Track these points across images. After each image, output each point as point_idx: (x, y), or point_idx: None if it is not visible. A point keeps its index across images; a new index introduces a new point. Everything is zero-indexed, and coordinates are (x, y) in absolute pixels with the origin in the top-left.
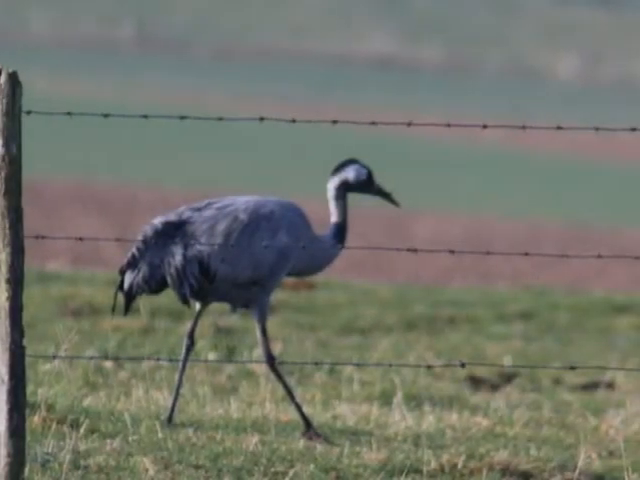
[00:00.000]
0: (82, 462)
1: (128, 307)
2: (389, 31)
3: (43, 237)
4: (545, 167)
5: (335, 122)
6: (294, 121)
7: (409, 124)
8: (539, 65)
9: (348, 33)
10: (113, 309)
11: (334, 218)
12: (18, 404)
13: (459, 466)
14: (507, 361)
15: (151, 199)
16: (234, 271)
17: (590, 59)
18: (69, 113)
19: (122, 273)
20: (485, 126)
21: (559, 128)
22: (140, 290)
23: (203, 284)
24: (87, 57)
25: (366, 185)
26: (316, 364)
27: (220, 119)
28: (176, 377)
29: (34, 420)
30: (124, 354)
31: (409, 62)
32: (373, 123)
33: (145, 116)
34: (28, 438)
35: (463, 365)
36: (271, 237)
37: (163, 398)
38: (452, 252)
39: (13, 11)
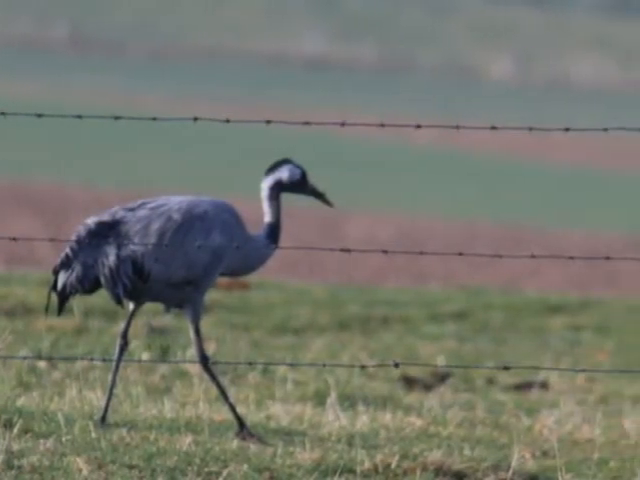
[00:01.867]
0: (15, 462)
1: (62, 307)
2: (323, 31)
3: None
4: (479, 167)
5: (269, 122)
6: (228, 121)
7: (343, 124)
8: (473, 65)
9: (282, 33)
10: (47, 309)
11: (268, 218)
12: None
13: (393, 466)
14: (441, 361)
15: (85, 199)
16: (168, 271)
17: (524, 59)
18: (3, 113)
19: (56, 273)
20: (419, 126)
21: (493, 128)
22: (74, 290)
23: (137, 284)
24: (21, 57)
25: (300, 185)
26: (250, 364)
27: (154, 119)
28: (110, 377)
29: None
30: (57, 354)
31: (343, 62)
32: (307, 123)
33: (79, 116)
34: None
35: (397, 365)
36: (205, 237)
37: (97, 398)
38: (385, 252)
39: None
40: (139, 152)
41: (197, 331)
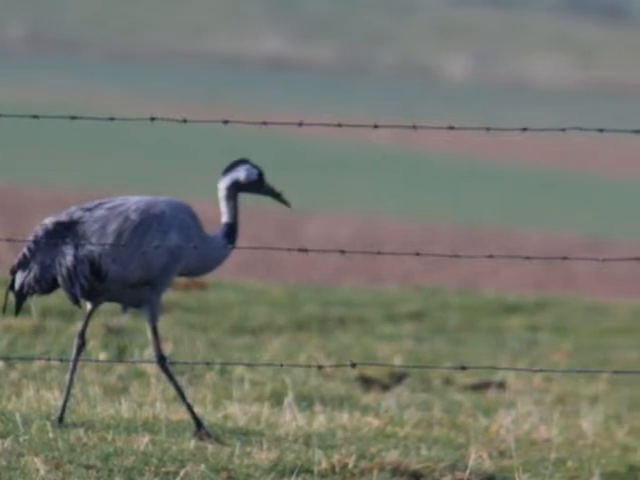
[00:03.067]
0: None
1: (19, 307)
2: (281, 31)
3: None
4: (437, 167)
5: (226, 122)
6: (185, 121)
7: (300, 124)
8: (431, 65)
9: (240, 33)
10: (4, 309)
11: (225, 218)
12: None
13: (350, 466)
14: (398, 361)
15: (42, 199)
16: (125, 271)
17: (482, 59)
18: None
19: (13, 273)
20: (376, 126)
21: (451, 128)
22: (31, 290)
23: (94, 284)
24: None
25: (257, 185)
26: (207, 364)
27: (111, 119)
28: (67, 377)
29: None
30: (15, 354)
31: (301, 62)
32: (264, 123)
33: (36, 116)
34: None
35: (354, 365)
36: (162, 237)
37: (54, 398)
38: (343, 252)
39: None
40: (96, 152)
41: (154, 331)
